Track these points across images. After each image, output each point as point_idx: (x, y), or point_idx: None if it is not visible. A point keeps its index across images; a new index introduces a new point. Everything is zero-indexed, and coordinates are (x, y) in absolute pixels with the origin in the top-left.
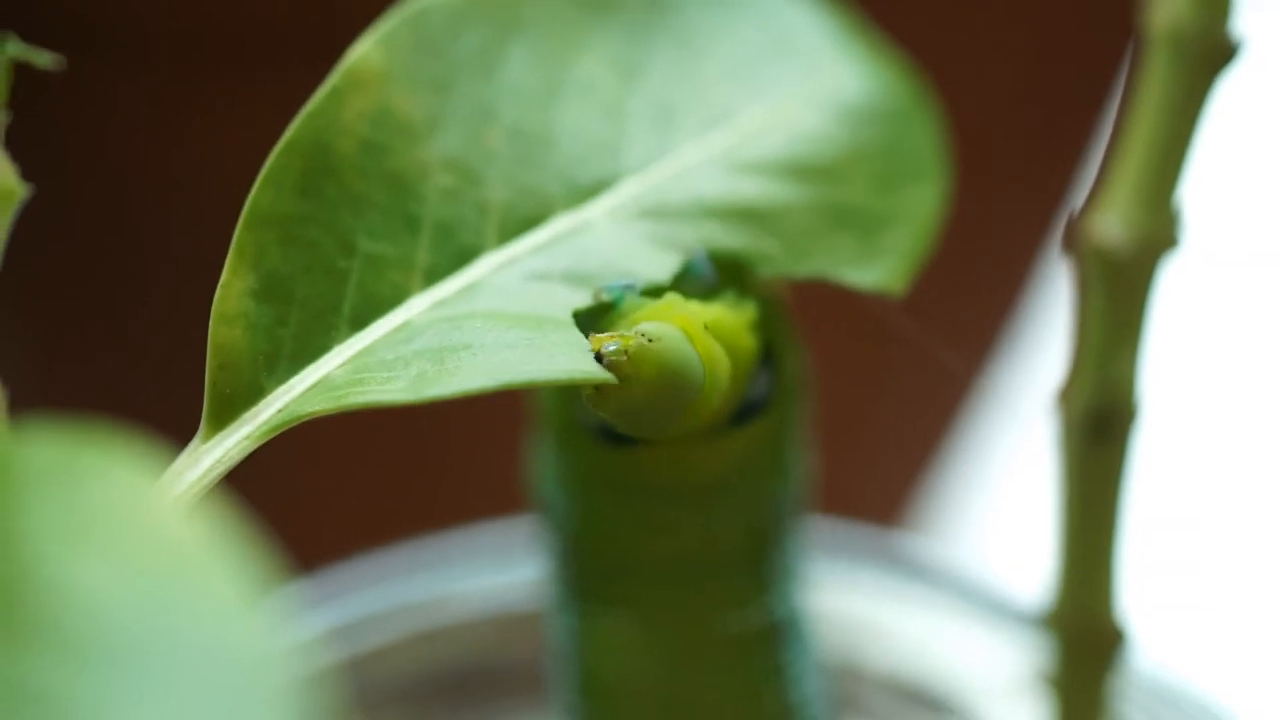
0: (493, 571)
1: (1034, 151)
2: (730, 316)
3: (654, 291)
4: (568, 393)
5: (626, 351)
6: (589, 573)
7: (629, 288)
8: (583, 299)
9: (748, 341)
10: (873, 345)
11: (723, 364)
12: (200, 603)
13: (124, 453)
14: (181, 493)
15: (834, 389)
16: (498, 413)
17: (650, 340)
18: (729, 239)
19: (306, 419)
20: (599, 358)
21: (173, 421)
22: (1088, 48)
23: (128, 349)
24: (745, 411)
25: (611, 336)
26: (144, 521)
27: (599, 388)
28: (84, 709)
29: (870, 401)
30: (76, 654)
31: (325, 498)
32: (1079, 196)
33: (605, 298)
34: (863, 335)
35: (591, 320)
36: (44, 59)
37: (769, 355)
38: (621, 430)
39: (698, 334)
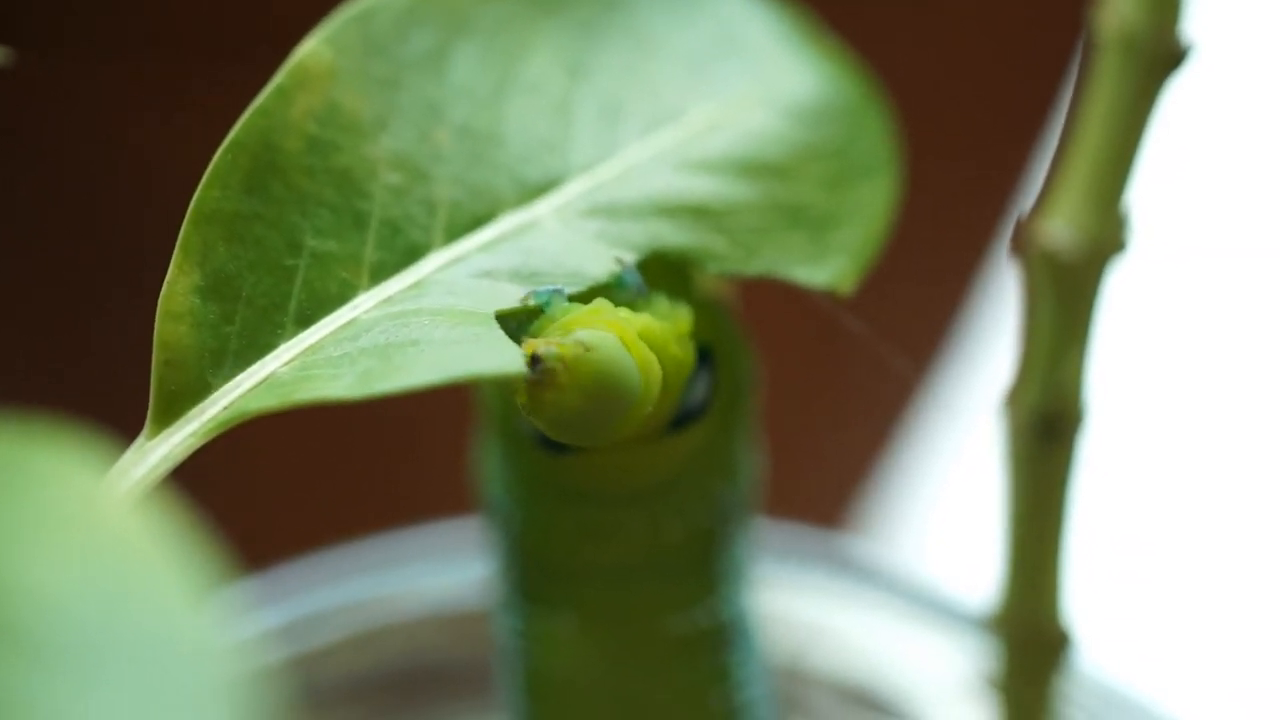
0: (441, 571)
1: (982, 153)
2: (660, 325)
3: (582, 298)
4: (509, 396)
5: (563, 359)
6: (533, 574)
7: (557, 292)
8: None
9: (678, 350)
10: (818, 346)
11: (655, 372)
12: (148, 600)
13: (70, 450)
14: (128, 490)
15: (779, 390)
16: (448, 413)
17: (587, 348)
18: (678, 237)
19: (253, 416)
20: (534, 363)
21: (118, 418)
22: (1036, 50)
23: (73, 344)
24: (684, 416)
25: (547, 342)
26: (92, 519)
27: (532, 396)
28: (33, 705)
29: (815, 403)
30: (22, 650)
31: (275, 497)
32: (1027, 199)
33: (533, 302)
34: (808, 336)
35: (517, 322)
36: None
37: (708, 359)
38: (554, 438)
39: (633, 341)
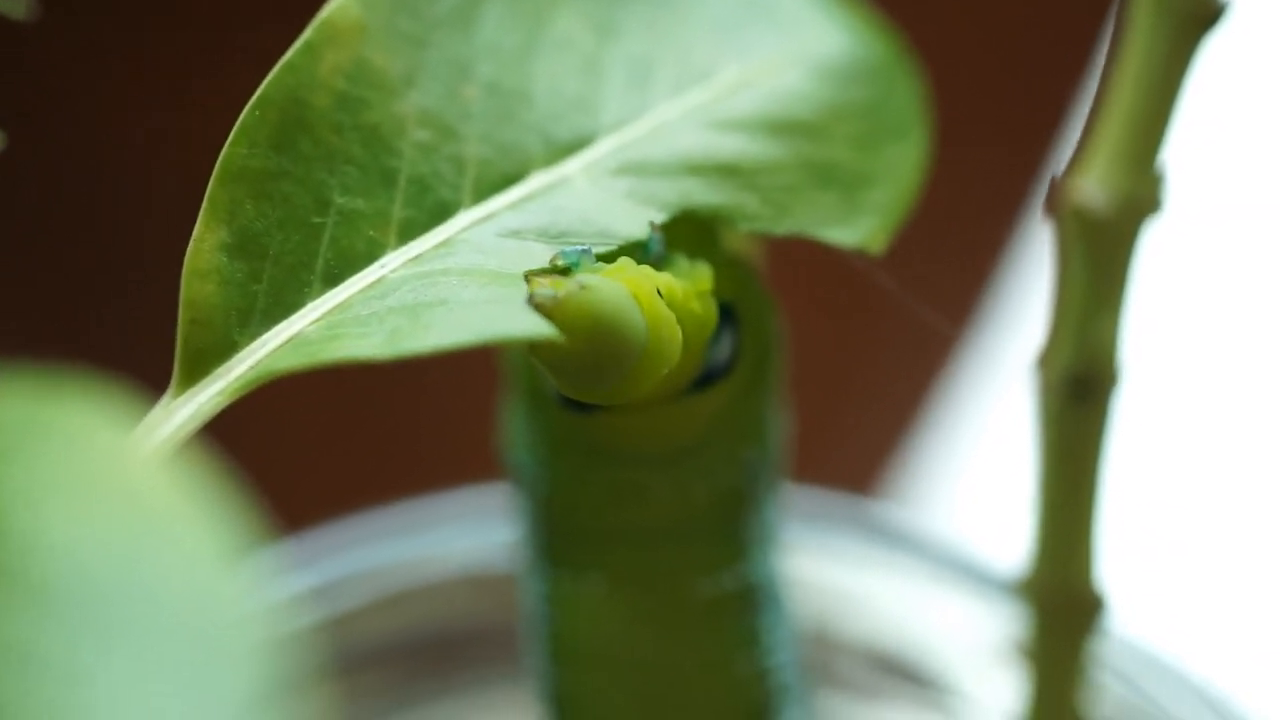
0: (470, 535)
1: (1017, 112)
2: (680, 283)
3: (608, 260)
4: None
5: (555, 297)
6: (559, 538)
7: (585, 253)
8: None
9: (699, 308)
10: (852, 310)
11: (672, 329)
12: (175, 558)
13: (97, 407)
14: (154, 448)
15: (812, 355)
16: (478, 376)
17: (585, 288)
18: (708, 195)
19: (280, 375)
20: (531, 301)
21: (146, 376)
22: (1071, 8)
23: (100, 301)
24: (708, 376)
25: (547, 280)
26: (118, 477)
27: (536, 341)
28: (54, 661)
29: (848, 367)
30: (48, 607)
31: (304, 461)
32: (1061, 158)
33: (561, 262)
34: (843, 300)
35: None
36: (17, 7)
37: (732, 319)
38: (564, 391)
39: (645, 295)
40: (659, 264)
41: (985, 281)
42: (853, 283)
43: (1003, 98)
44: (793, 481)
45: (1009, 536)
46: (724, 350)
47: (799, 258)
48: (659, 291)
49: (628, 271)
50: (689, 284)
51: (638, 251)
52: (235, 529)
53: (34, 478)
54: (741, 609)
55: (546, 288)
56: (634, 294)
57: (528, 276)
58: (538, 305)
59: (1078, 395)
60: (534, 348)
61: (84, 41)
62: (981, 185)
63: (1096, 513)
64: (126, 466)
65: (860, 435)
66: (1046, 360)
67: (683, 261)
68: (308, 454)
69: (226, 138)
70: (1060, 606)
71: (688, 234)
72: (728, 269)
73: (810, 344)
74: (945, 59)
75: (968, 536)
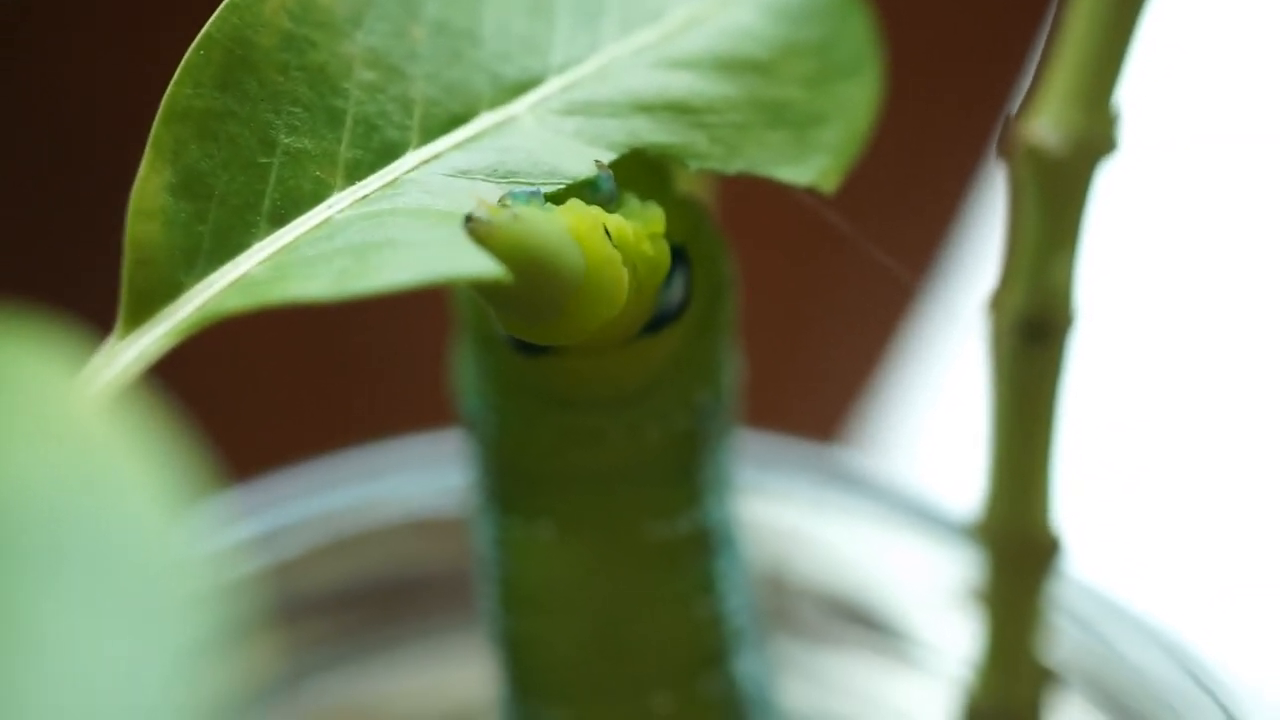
0: (421, 481)
1: (979, 53)
2: (631, 225)
3: (557, 200)
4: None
5: (489, 223)
6: (511, 483)
7: (534, 194)
8: None
9: (651, 249)
10: (813, 254)
11: (615, 268)
12: (118, 503)
13: (41, 347)
14: (99, 390)
15: (773, 299)
16: (429, 319)
17: (517, 218)
18: (657, 135)
19: (227, 317)
20: (465, 226)
21: (90, 317)
22: None
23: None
24: (661, 319)
25: (484, 207)
26: (60, 418)
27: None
28: None
29: (808, 313)
30: None
31: (255, 406)
32: (1016, 98)
33: (509, 204)
34: (804, 243)
35: None
36: None
37: (684, 261)
38: (508, 329)
39: (585, 231)
40: (610, 204)
41: (946, 227)
42: (814, 227)
43: (965, 37)
44: (751, 427)
45: (968, 482)
46: (676, 293)
47: (760, 202)
48: (607, 232)
49: (573, 209)
50: (640, 225)
51: (587, 191)
52: (181, 473)
53: None
54: (695, 553)
55: (484, 214)
56: (573, 230)
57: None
58: (471, 232)
59: (1032, 337)
60: (474, 280)
61: None
62: (943, 128)
63: (1051, 456)
64: (70, 408)
65: (821, 381)
66: (1000, 302)
67: (634, 202)
68: (257, 398)
69: (171, 77)
70: (1015, 550)
71: (638, 175)
72: (679, 210)
73: (771, 290)
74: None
75: (927, 482)
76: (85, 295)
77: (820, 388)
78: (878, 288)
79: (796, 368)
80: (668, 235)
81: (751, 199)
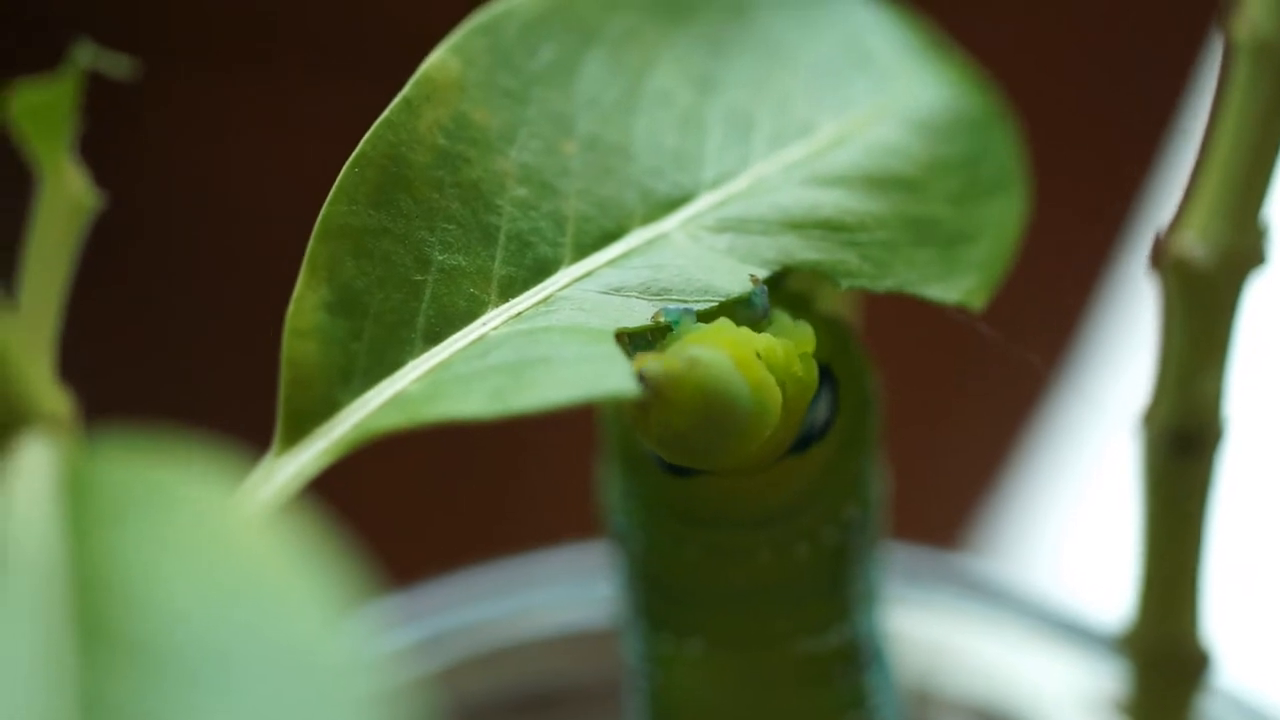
0: (572, 592)
1: (1104, 159)
2: (781, 344)
3: (709, 316)
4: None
5: (668, 374)
6: (660, 600)
7: (686, 311)
8: None
9: (801, 370)
10: (940, 359)
11: (773, 393)
12: (283, 615)
13: (201, 468)
14: (258, 508)
15: (900, 405)
16: (581, 433)
17: (694, 365)
18: (808, 252)
19: (382, 435)
20: (640, 379)
21: (244, 432)
22: (1161, 50)
23: (203, 360)
24: (807, 438)
25: (655, 356)
26: (223, 537)
27: (640, 414)
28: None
29: (937, 417)
30: (161, 669)
31: (409, 519)
32: (1162, 211)
33: (663, 320)
34: (930, 350)
35: (647, 341)
36: (120, 66)
37: (829, 379)
38: (668, 459)
39: (747, 361)
40: (763, 320)
41: (1074, 330)
42: (943, 331)
43: (1090, 143)
44: (890, 536)
45: (1099, 587)
46: (822, 411)
47: (887, 302)
48: (759, 354)
49: (727, 333)
50: (791, 345)
51: (741, 308)
52: (340, 585)
53: (144, 541)
54: (845, 667)
55: (654, 363)
56: (737, 361)
57: (625, 340)
58: (646, 380)
59: (1181, 450)
60: (638, 423)
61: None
62: (1072, 234)
63: (1201, 567)
64: (231, 527)
65: (954, 486)
66: (1150, 415)
67: (785, 319)
68: (411, 512)
69: (325, 196)
70: (1164, 662)
71: (780, 299)
72: (823, 328)
73: (901, 393)
74: (1034, 100)
75: (1064, 589)
76: (241, 414)
77: (949, 492)
78: (1004, 392)
79: (924, 472)
80: (815, 354)
81: (873, 297)
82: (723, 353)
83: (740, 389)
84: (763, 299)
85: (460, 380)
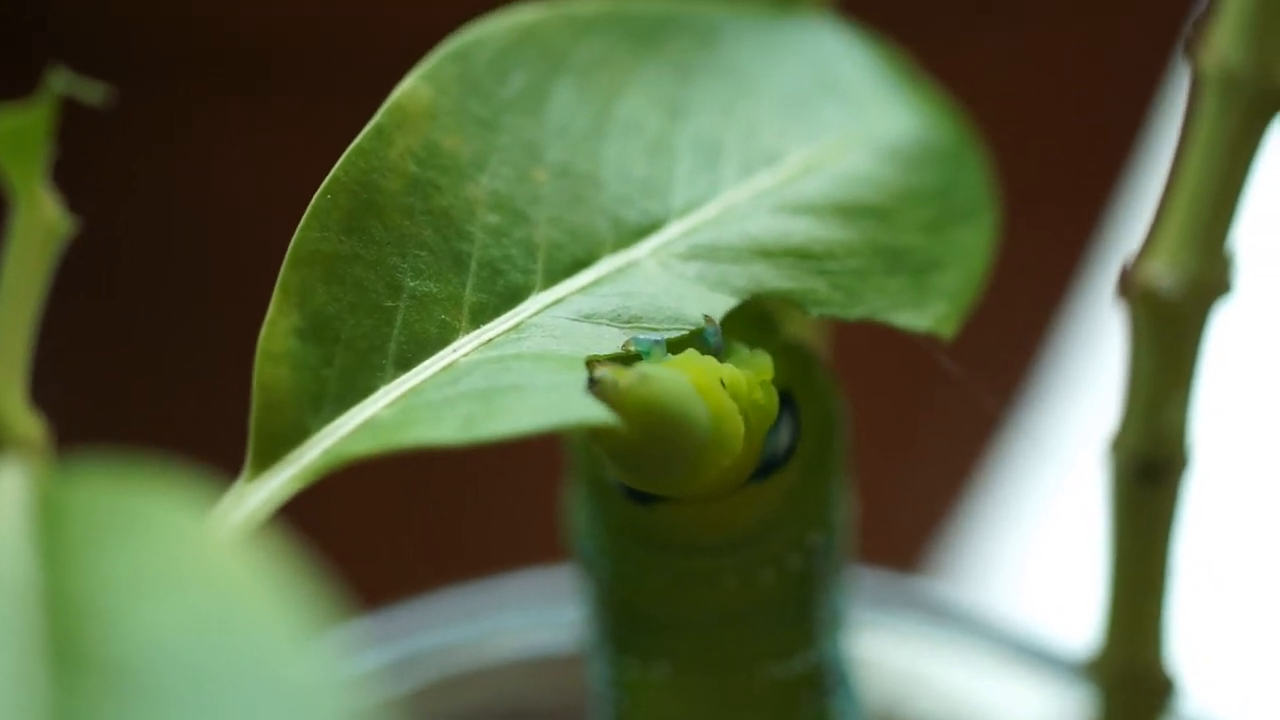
0: (538, 616)
1: (1064, 187)
2: (742, 373)
3: (676, 348)
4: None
5: (616, 384)
6: (626, 625)
7: (658, 343)
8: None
9: (761, 397)
10: (902, 384)
11: (735, 421)
12: (255, 638)
13: (172, 492)
14: (230, 532)
15: (866, 429)
16: (547, 458)
17: (646, 379)
18: (779, 280)
19: (353, 460)
20: (591, 384)
21: (216, 457)
22: (1123, 81)
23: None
24: (769, 465)
25: (608, 366)
26: (196, 561)
27: (598, 430)
28: None
29: (898, 442)
30: (134, 692)
31: (374, 543)
32: (1116, 232)
33: (633, 350)
34: (891, 374)
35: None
36: (94, 93)
37: (790, 406)
38: (627, 482)
39: (709, 386)
40: (719, 354)
41: (1037, 355)
42: (908, 356)
43: (1050, 173)
44: (854, 561)
45: (1061, 610)
46: (783, 439)
47: (848, 331)
48: (723, 382)
49: (693, 362)
50: (751, 374)
51: (698, 342)
52: (311, 608)
53: (116, 565)
54: (811, 693)
55: (609, 375)
56: (698, 386)
57: (590, 363)
58: (599, 394)
59: (1147, 477)
60: (596, 435)
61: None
62: (1033, 260)
63: (1167, 594)
64: (204, 552)
65: (915, 511)
66: (1117, 442)
67: (742, 350)
68: (379, 536)
69: (298, 221)
70: (1130, 688)
71: (745, 321)
72: (785, 354)
73: (863, 419)
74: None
75: (1021, 611)
76: (210, 439)
77: (910, 517)
78: (965, 416)
79: (887, 497)
80: (774, 381)
81: (835, 326)
82: (682, 375)
83: (697, 411)
84: (715, 337)
85: (431, 406)
